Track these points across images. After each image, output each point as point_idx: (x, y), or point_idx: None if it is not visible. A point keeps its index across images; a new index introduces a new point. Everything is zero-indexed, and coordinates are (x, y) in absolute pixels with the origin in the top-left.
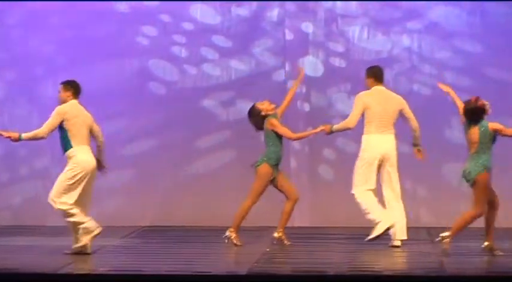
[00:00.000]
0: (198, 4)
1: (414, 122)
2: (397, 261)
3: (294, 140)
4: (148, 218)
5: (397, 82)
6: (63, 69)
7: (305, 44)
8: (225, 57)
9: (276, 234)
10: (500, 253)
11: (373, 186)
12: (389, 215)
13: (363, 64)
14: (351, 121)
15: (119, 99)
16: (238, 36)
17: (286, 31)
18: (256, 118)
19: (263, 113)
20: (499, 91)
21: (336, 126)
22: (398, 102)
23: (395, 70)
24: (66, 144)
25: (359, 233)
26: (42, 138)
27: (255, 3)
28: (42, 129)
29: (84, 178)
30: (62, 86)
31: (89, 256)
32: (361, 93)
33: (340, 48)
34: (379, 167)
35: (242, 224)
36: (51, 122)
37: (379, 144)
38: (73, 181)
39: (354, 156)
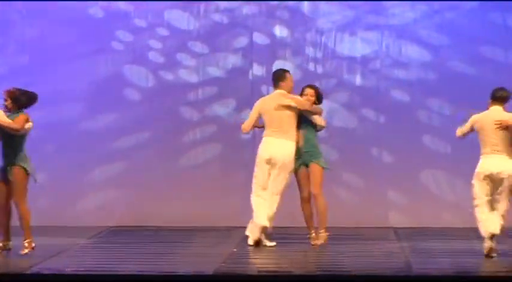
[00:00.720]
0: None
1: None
2: (364, 261)
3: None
4: (115, 218)
5: (371, 84)
6: (32, 73)
7: (276, 46)
8: (199, 60)
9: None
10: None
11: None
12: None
13: (333, 66)
14: (244, 126)
15: (89, 102)
16: (211, 40)
17: (257, 34)
18: None
19: None
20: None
21: None
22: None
23: (367, 72)
24: None
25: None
26: None
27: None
28: None
29: None
30: None
31: (56, 256)
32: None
33: (311, 51)
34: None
35: (210, 224)
36: None
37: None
38: None
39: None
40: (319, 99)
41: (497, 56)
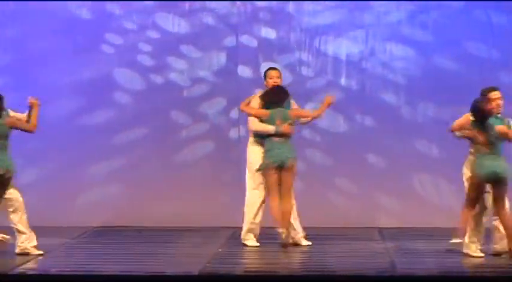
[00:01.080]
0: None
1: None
2: (349, 262)
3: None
4: (101, 218)
5: (357, 84)
6: (21, 75)
7: (262, 47)
8: (186, 61)
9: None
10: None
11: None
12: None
13: (320, 66)
14: None
15: (77, 103)
16: (199, 41)
17: (243, 35)
18: None
19: None
20: (450, 83)
21: None
22: None
23: (354, 72)
24: None
25: (309, 234)
26: None
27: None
28: None
29: None
30: None
31: (41, 257)
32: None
33: (297, 51)
34: None
35: (194, 225)
36: None
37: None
38: None
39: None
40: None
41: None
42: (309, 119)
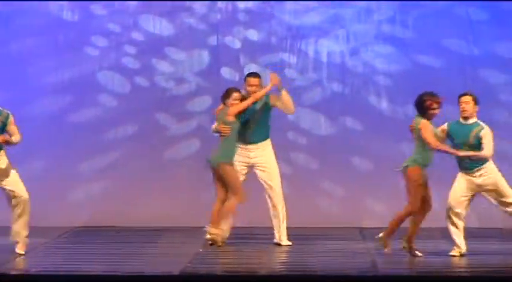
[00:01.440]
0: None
1: None
2: (330, 261)
3: None
4: (81, 218)
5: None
6: (3, 75)
7: (246, 48)
8: (170, 62)
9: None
10: (420, 254)
11: None
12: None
13: (300, 68)
14: None
15: (61, 103)
16: (184, 43)
17: (229, 37)
18: None
19: None
20: (428, 77)
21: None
22: None
23: (337, 73)
24: None
25: (290, 233)
26: None
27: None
28: None
29: None
30: None
31: (21, 257)
32: None
33: (281, 53)
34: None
35: (175, 225)
36: None
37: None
38: None
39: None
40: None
41: None
42: (281, 104)
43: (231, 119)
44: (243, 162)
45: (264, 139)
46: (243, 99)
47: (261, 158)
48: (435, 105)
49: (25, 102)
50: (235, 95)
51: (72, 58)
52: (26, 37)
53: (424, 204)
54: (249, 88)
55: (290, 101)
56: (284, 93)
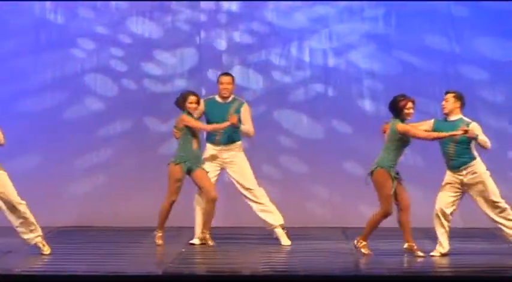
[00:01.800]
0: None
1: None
2: (313, 261)
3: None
4: (64, 218)
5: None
6: None
7: (231, 50)
8: (156, 64)
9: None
10: (421, 254)
11: None
12: None
13: (285, 69)
14: None
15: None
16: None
17: (213, 38)
18: None
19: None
20: (409, 74)
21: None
22: None
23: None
24: None
25: (272, 234)
26: None
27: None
28: None
29: None
30: None
31: (4, 257)
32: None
33: (270, 56)
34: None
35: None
36: None
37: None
38: None
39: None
40: None
41: None
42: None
43: (181, 125)
44: (215, 163)
45: (237, 140)
46: (198, 101)
47: (232, 159)
48: (410, 105)
49: (13, 100)
50: (192, 98)
51: (60, 58)
52: (12, 37)
53: (400, 203)
54: (221, 86)
55: (248, 133)
56: (242, 128)
